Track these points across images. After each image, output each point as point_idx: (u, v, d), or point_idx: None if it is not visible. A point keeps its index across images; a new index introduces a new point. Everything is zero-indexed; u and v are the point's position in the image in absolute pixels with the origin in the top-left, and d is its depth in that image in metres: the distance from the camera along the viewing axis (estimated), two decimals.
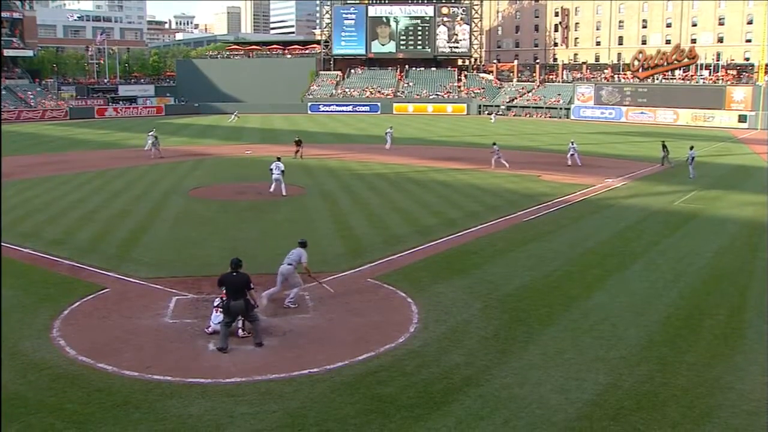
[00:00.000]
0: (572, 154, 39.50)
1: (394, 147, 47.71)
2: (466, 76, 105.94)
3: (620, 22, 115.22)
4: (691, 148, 35.97)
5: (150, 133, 44.58)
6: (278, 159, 29.58)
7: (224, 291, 12.47)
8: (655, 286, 16.24)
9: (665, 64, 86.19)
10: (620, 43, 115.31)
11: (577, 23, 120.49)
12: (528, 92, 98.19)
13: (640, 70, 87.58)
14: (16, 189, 30.46)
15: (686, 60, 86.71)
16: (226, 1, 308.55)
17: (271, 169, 28.77)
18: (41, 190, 30.58)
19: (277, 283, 14.59)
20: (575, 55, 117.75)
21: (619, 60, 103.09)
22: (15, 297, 15.11)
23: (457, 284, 16.22)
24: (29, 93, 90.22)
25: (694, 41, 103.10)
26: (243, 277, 12.33)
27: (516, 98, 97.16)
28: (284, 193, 28.07)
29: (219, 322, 12.66)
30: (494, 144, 39.04)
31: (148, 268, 17.59)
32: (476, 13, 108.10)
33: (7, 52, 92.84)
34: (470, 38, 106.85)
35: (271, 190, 28.45)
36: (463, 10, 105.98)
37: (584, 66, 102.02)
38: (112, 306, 14.74)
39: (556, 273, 17.28)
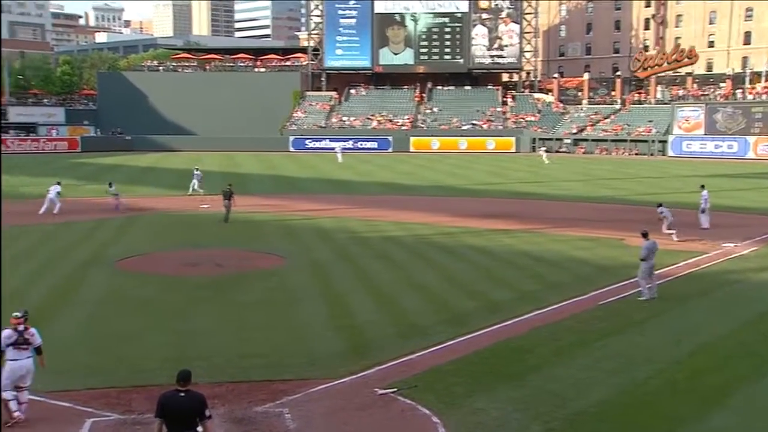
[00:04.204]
0: (703, 210, 37.96)
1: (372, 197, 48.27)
2: (514, 97, 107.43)
3: (748, 11, 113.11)
4: None
5: (196, 172, 50.84)
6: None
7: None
8: None
9: (665, 64, 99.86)
10: (747, 42, 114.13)
11: (679, 15, 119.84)
12: (605, 119, 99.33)
13: (641, 70, 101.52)
14: None
15: (686, 60, 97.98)
16: None
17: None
18: None
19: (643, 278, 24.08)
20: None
21: (744, 68, 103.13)
22: None
23: (505, 396, 16.10)
24: None
25: None
26: (195, 399, 11.48)
27: (587, 128, 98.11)
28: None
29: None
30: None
31: (52, 376, 17.41)
32: (530, 6, 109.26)
33: None
34: (521, 43, 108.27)
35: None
36: (511, 3, 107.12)
37: (689, 79, 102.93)
38: None
39: (653, 381, 17.13)
